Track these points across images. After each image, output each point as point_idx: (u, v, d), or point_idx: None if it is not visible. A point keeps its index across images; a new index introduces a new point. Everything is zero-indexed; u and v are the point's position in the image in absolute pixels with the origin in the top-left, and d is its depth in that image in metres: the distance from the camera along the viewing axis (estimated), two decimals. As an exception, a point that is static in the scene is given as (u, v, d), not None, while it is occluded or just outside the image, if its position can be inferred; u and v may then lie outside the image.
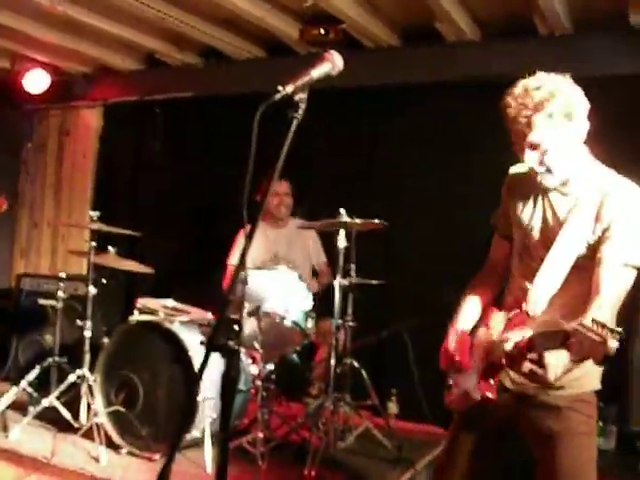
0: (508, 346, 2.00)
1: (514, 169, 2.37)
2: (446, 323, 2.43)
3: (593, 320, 1.68)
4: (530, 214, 2.25)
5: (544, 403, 2.20)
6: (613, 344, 1.63)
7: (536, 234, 2.23)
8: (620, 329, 1.65)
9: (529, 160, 2.10)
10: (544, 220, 2.21)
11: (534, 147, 2.07)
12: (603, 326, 1.65)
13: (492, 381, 2.13)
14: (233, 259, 4.93)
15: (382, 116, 5.42)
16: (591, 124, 2.14)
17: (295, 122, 1.81)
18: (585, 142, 2.17)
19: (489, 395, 2.12)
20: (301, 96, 1.80)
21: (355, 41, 5.26)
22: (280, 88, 1.78)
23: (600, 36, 4.62)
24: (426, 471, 3.92)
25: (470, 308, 2.39)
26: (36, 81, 6.45)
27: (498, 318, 2.26)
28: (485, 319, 2.32)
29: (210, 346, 1.70)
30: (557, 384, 2.14)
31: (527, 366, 1.97)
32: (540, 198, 2.23)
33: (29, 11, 5.19)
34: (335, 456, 4.02)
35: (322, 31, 4.95)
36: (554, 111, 2.01)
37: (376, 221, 4.15)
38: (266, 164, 1.80)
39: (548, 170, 2.10)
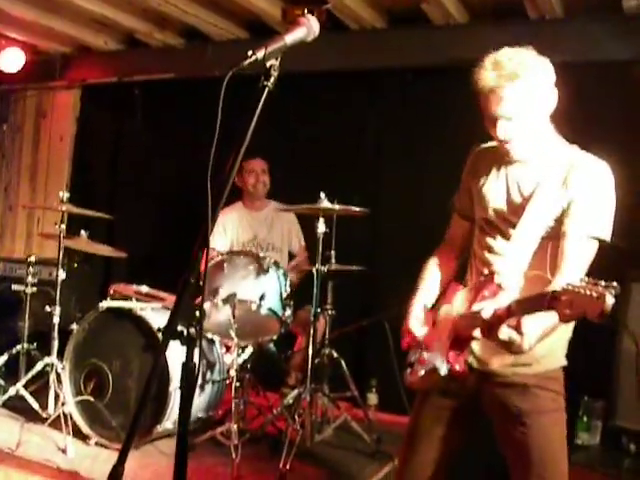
0: (486, 314, 1.92)
1: (477, 148, 2.37)
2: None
3: (582, 279, 1.64)
4: (493, 188, 2.23)
5: (510, 381, 2.17)
6: (610, 300, 1.57)
7: (500, 208, 2.21)
8: (616, 284, 1.59)
9: (500, 132, 2.07)
10: (508, 193, 2.19)
11: (504, 118, 2.05)
12: (595, 283, 1.61)
13: (460, 354, 2.08)
14: (212, 241, 4.78)
15: (365, 100, 5.29)
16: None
17: (266, 90, 1.69)
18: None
19: (457, 368, 2.06)
20: (273, 62, 1.68)
21: (339, 22, 5.12)
22: (250, 53, 1.65)
23: (591, 21, 4.50)
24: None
25: (430, 284, 2.38)
26: (11, 60, 6.26)
27: (461, 295, 2.22)
28: (447, 296, 2.29)
29: (168, 333, 1.56)
30: (522, 361, 2.10)
31: (505, 332, 1.89)
32: (504, 172, 2.22)
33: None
34: (312, 449, 3.92)
35: (305, 11, 4.80)
36: (524, 83, 2.01)
37: (355, 208, 4.03)
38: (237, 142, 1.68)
39: (517, 142, 2.08)
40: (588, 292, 1.59)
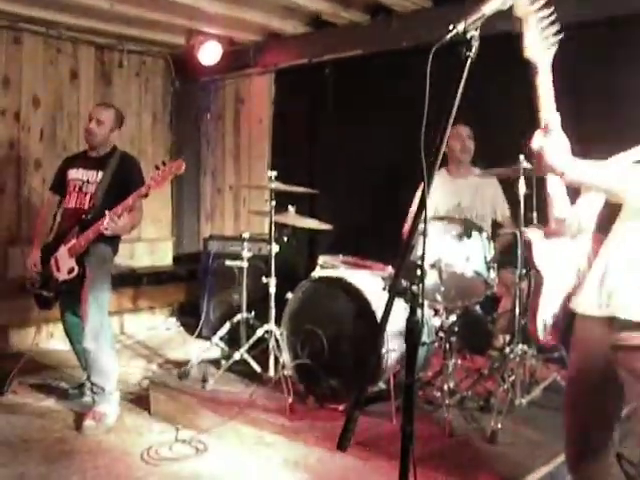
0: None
1: None
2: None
3: None
4: None
5: (635, 345, 2.11)
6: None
7: None
8: None
9: None
10: None
11: None
12: None
13: None
14: (413, 207, 4.87)
15: (563, 58, 5.10)
16: None
17: (469, 61, 1.76)
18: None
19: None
20: (473, 34, 1.75)
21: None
22: (451, 27, 1.73)
23: None
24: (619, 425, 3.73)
25: None
26: (210, 53, 6.73)
27: None
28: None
29: (393, 291, 1.70)
30: None
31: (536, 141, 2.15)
32: None
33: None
34: (521, 409, 3.93)
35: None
36: None
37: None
38: (444, 110, 1.77)
39: None
40: None
